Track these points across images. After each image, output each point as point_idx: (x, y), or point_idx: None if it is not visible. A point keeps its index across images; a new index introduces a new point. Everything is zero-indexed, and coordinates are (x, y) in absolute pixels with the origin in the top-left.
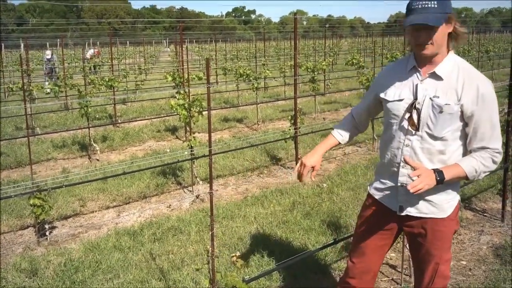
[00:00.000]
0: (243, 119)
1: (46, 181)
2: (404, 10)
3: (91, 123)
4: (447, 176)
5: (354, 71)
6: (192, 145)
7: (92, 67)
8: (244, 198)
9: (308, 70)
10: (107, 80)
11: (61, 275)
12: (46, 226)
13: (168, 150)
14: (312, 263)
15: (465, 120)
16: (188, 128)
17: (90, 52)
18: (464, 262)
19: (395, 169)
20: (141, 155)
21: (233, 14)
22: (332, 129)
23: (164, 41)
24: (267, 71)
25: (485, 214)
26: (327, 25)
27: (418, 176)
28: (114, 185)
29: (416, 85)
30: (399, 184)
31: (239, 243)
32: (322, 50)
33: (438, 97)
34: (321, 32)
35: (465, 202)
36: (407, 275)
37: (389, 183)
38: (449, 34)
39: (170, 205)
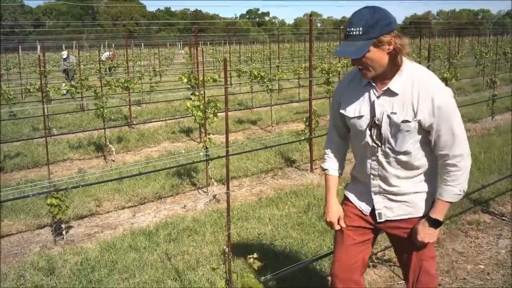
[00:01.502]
0: (257, 121)
1: (63, 181)
2: (420, 12)
3: (106, 124)
4: (440, 217)
5: None
6: (207, 146)
7: (107, 69)
8: (259, 200)
9: (323, 72)
10: (123, 81)
11: (77, 274)
12: (63, 226)
13: (183, 151)
14: (328, 265)
15: (425, 130)
16: (203, 130)
17: (105, 55)
18: (482, 266)
19: (367, 179)
20: (156, 156)
21: (247, 16)
22: (326, 169)
23: (179, 43)
24: (281, 73)
25: (503, 217)
26: (341, 27)
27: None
28: (129, 185)
29: (373, 102)
30: (372, 193)
31: (254, 244)
32: None
33: (396, 113)
34: (335, 34)
35: (483, 205)
36: None
37: (364, 189)
38: (391, 52)
39: (185, 206)
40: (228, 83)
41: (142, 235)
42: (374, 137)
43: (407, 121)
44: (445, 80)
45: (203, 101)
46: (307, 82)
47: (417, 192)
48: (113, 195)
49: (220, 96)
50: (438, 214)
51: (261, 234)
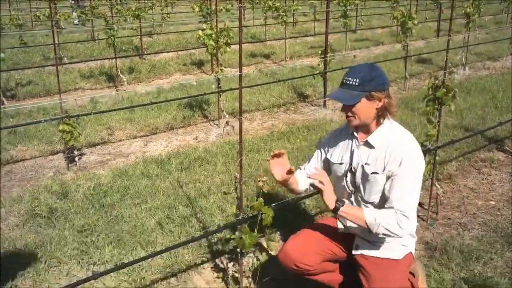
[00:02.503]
0: (270, 55)
1: (75, 109)
2: None
3: (117, 54)
4: (345, 210)
5: (387, 8)
6: (219, 77)
7: None
8: (270, 133)
9: (340, 4)
10: (134, 9)
11: (90, 198)
12: (75, 152)
13: (194, 83)
14: None
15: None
16: (214, 61)
17: None
18: (493, 202)
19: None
20: (168, 88)
21: None
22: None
23: None
24: (297, 5)
25: None
26: None
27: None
28: (141, 115)
29: (353, 151)
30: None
31: (265, 175)
32: None
33: (369, 164)
34: None
35: (498, 143)
36: (434, 213)
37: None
38: (379, 108)
39: (196, 137)
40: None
41: (154, 163)
42: (349, 183)
43: (376, 173)
44: (468, 15)
45: (215, 30)
46: (323, 16)
47: (391, 238)
48: (125, 125)
49: (234, 28)
50: (347, 208)
51: None
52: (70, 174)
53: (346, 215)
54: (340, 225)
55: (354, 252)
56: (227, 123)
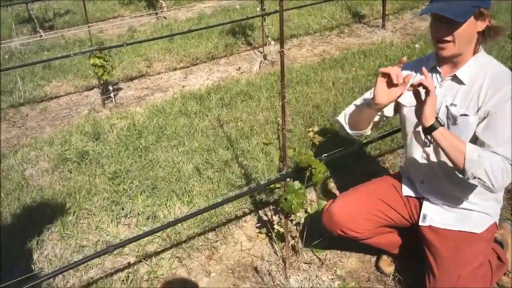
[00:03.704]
0: None
1: (112, 40)
2: None
3: None
4: (444, 132)
5: None
6: None
7: None
8: (321, 61)
9: None
10: None
11: (124, 140)
12: (110, 88)
13: (237, 7)
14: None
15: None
16: None
17: None
18: None
19: (416, 180)
20: (210, 13)
21: None
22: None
23: None
24: None
25: None
26: None
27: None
28: (181, 44)
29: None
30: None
31: (315, 112)
32: None
33: (455, 105)
34: None
35: None
36: None
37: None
38: (481, 31)
39: (239, 68)
40: None
41: (193, 99)
42: None
43: (466, 115)
44: None
45: None
46: None
47: (472, 204)
48: (164, 55)
49: None
50: (446, 131)
51: (323, 100)
52: (105, 112)
53: (443, 138)
54: (405, 188)
55: (421, 223)
56: (268, 54)
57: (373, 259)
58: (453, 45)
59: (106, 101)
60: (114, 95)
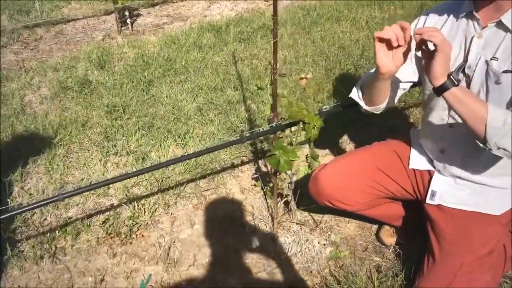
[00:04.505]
0: None
1: None
2: None
3: None
4: (460, 92)
5: None
6: None
7: None
8: None
9: None
10: None
11: (129, 71)
12: (126, 14)
13: None
14: None
15: None
16: None
17: None
18: None
19: (433, 150)
20: None
21: None
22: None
23: None
24: None
25: None
26: None
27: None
28: None
29: (471, 40)
30: (436, 169)
31: (340, 53)
32: None
33: (497, 59)
34: None
35: None
36: None
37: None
38: None
39: None
40: None
41: (211, 30)
42: None
43: (510, 72)
44: None
45: None
46: None
47: (495, 178)
48: None
49: None
50: (463, 89)
51: (352, 41)
52: (119, 39)
53: (456, 101)
54: (413, 158)
55: (428, 200)
56: None
57: (375, 226)
58: None
59: (122, 28)
60: (132, 22)
